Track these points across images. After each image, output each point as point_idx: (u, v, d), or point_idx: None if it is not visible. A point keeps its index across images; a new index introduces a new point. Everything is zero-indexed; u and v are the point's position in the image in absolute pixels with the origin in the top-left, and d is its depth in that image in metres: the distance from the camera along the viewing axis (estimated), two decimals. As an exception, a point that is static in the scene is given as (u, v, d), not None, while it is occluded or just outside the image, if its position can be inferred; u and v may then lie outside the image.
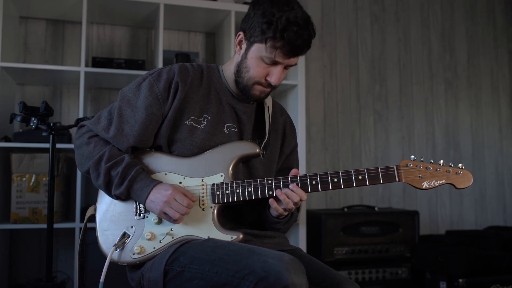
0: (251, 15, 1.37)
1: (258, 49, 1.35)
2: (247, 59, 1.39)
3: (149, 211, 1.38)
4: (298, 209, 1.46)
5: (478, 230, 3.43)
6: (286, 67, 1.40)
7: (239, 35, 1.41)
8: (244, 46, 1.40)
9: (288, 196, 1.33)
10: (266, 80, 1.38)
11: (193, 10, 2.75)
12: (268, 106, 1.52)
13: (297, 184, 1.34)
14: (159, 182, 1.35)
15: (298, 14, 1.31)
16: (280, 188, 1.35)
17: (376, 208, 3.04)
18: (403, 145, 3.55)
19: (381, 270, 2.84)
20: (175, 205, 1.31)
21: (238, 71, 1.41)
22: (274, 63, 1.36)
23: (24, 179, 2.43)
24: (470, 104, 3.77)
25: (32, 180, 2.44)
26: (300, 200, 1.34)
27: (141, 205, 1.38)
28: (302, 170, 2.69)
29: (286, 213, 1.37)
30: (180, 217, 1.32)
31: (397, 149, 3.53)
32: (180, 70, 1.43)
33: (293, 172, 1.37)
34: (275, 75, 1.37)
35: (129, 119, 1.38)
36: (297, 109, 2.77)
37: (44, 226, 2.32)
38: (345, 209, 2.99)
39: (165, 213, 1.32)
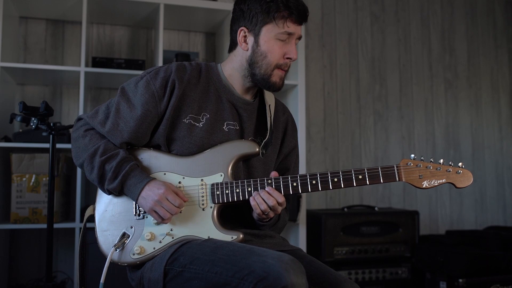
0: (243, 9, 1.41)
1: (269, 30, 1.39)
2: (260, 47, 1.40)
3: (149, 211, 1.38)
4: (298, 208, 1.46)
5: (478, 230, 3.43)
6: (296, 41, 1.44)
7: (241, 31, 1.42)
8: (250, 39, 1.42)
9: (263, 198, 1.32)
10: (285, 59, 1.41)
11: (193, 10, 2.75)
12: (269, 105, 1.52)
13: (297, 184, 1.34)
14: (152, 179, 1.35)
15: None
16: (280, 188, 1.35)
17: (376, 208, 3.04)
18: (403, 145, 3.55)
19: (381, 270, 2.84)
20: (166, 204, 1.31)
21: (253, 64, 1.42)
22: (289, 35, 1.39)
23: (24, 179, 2.43)
24: (470, 104, 3.76)
25: (32, 180, 2.44)
26: (278, 204, 1.33)
27: (140, 204, 1.38)
28: (302, 170, 2.69)
29: (264, 216, 1.36)
30: (170, 217, 1.33)
31: (397, 149, 3.53)
32: (177, 68, 1.43)
33: (272, 175, 1.37)
34: (292, 50, 1.41)
35: (125, 115, 1.38)
36: (297, 109, 2.76)
37: (44, 226, 2.32)
38: (345, 209, 2.98)
39: (155, 211, 1.33)
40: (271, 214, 1.36)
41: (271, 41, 1.39)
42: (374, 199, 3.43)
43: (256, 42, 1.40)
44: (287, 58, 1.41)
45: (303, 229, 2.71)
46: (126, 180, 1.34)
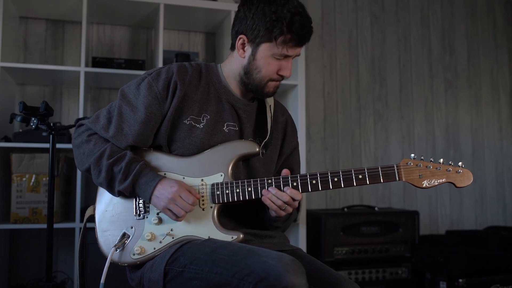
0: (248, 16, 1.38)
1: (267, 49, 1.37)
2: (256, 60, 1.39)
3: (148, 211, 1.38)
4: (298, 208, 1.46)
5: (478, 230, 3.43)
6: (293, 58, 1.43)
7: (240, 38, 1.41)
8: (249, 48, 1.41)
9: (277, 196, 1.32)
10: (278, 75, 1.41)
11: (193, 10, 2.75)
12: (270, 105, 1.52)
13: (297, 184, 1.34)
14: (163, 177, 1.35)
15: (295, 3, 1.36)
16: (280, 188, 1.34)
17: (376, 208, 3.04)
18: (403, 145, 3.55)
19: (381, 270, 2.84)
20: (180, 202, 1.31)
21: (247, 73, 1.42)
22: (285, 56, 1.38)
23: (24, 179, 2.43)
24: (470, 104, 3.76)
25: (32, 180, 2.44)
26: (293, 199, 1.33)
27: (140, 205, 1.38)
28: (302, 170, 2.69)
29: (283, 214, 1.37)
30: (184, 214, 1.32)
31: (397, 149, 3.53)
32: (178, 69, 1.43)
33: (284, 173, 1.37)
34: (287, 69, 1.41)
35: (128, 119, 1.37)
36: (297, 109, 2.76)
37: (44, 226, 2.32)
38: (345, 209, 2.99)
39: (169, 209, 1.32)
40: (289, 209, 1.36)
41: (268, 58, 1.38)
42: (374, 199, 3.43)
43: (253, 54, 1.40)
44: (280, 75, 1.41)
45: (303, 229, 2.71)
46: (138, 179, 1.33)
